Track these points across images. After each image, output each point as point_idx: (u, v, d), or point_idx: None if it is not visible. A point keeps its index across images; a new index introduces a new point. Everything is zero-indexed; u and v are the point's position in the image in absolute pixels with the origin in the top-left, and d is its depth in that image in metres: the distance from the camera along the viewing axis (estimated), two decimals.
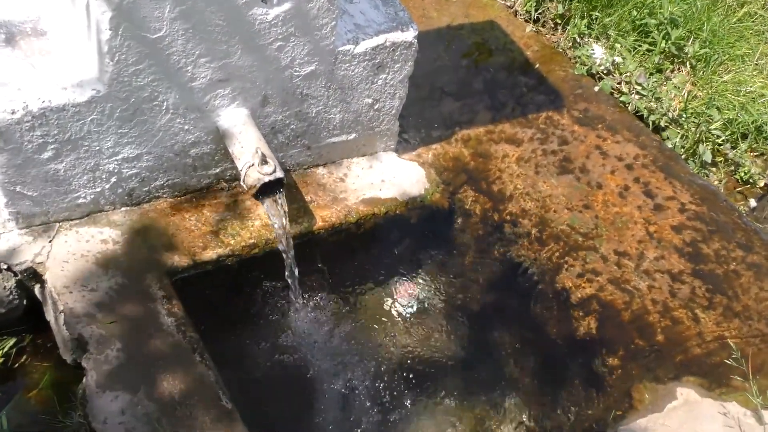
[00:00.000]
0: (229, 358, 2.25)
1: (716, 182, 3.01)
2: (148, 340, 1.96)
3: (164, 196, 2.32)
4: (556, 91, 3.03)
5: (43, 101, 1.92)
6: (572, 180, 2.70)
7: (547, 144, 2.82)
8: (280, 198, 2.18)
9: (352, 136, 2.53)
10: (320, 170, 2.57)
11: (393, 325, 2.52)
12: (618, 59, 3.25)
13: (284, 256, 2.28)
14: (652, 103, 3.11)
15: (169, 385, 1.88)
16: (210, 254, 2.22)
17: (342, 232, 2.45)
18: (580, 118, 2.93)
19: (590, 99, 3.03)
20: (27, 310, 2.13)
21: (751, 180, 3.10)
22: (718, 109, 3.12)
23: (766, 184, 3.10)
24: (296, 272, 2.31)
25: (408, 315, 2.55)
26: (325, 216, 2.41)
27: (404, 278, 2.63)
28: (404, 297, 2.60)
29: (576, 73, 3.16)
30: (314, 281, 2.53)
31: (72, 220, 2.19)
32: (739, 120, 3.14)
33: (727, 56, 3.32)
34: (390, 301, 2.58)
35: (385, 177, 2.59)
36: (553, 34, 3.43)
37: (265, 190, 2.13)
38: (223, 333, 2.32)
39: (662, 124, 3.10)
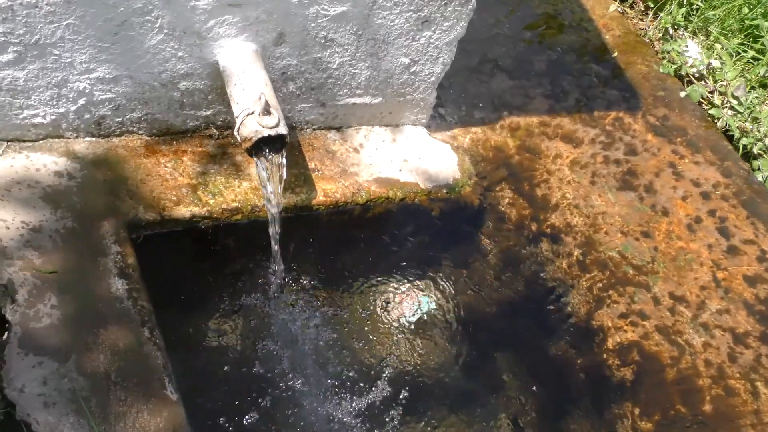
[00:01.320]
0: (184, 341, 2.22)
1: None
2: (91, 302, 1.92)
3: (139, 132, 2.28)
4: (632, 89, 2.98)
5: None
6: (634, 199, 2.66)
7: (610, 150, 2.76)
8: (278, 159, 2.12)
9: (378, 99, 2.48)
10: (332, 135, 2.52)
11: (389, 336, 2.48)
12: (715, 63, 3.15)
13: (271, 229, 2.23)
14: (747, 123, 3.01)
15: (106, 359, 1.84)
16: (182, 211, 2.18)
17: (346, 212, 2.42)
18: (656, 126, 2.87)
19: (672, 105, 2.96)
20: None
21: None
22: None
23: None
24: (279, 252, 2.26)
25: (409, 326, 2.51)
26: (328, 190, 2.37)
27: (412, 281, 2.59)
28: (408, 304, 2.55)
29: (661, 71, 3.08)
30: (303, 266, 2.49)
31: (24, 141, 2.15)
32: None
33: None
34: (391, 305, 2.54)
35: (409, 156, 2.55)
36: (642, 19, 3.34)
37: (262, 146, 2.07)
38: (183, 309, 2.29)
39: (755, 150, 3.00)
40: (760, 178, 2.88)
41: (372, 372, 2.40)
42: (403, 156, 2.53)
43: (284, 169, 2.16)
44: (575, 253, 2.54)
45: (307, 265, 2.49)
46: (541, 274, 2.54)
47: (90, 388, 1.78)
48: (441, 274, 2.61)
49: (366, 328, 2.49)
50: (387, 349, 2.45)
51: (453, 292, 2.58)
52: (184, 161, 2.28)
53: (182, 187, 2.21)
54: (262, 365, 2.33)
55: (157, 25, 2.02)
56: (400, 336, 2.49)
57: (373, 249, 2.57)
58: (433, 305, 2.57)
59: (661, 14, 3.28)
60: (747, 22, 3.28)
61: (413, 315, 2.54)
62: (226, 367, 2.29)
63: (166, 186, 2.20)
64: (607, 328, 2.41)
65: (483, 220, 2.63)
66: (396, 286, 2.58)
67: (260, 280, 2.42)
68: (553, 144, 2.75)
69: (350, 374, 2.37)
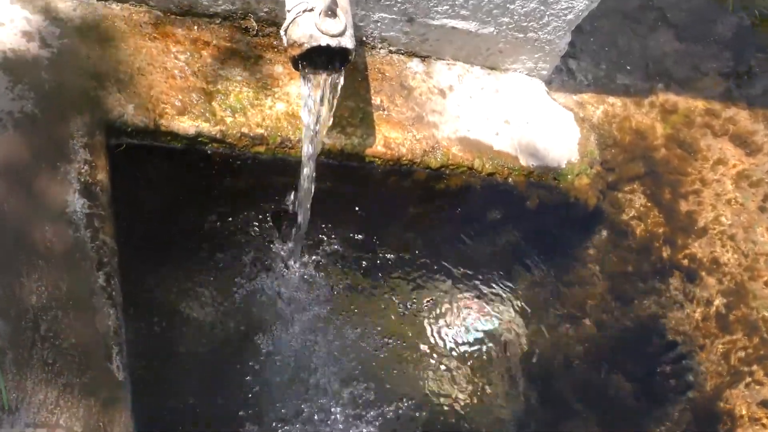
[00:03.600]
0: (150, 303, 2.18)
1: None
2: (35, 221, 1.86)
3: (150, 2, 2.23)
4: None
5: None
6: None
7: None
8: (333, 80, 2.06)
9: (487, 29, 2.41)
10: (414, 64, 2.48)
11: (430, 357, 2.43)
12: None
13: (303, 176, 2.18)
14: None
15: (39, 303, 1.78)
16: (186, 125, 2.13)
17: (409, 176, 2.38)
18: None
19: None
20: None
21: None
22: None
23: None
24: (305, 208, 2.20)
25: (462, 348, 2.45)
26: (392, 140, 2.32)
27: (479, 289, 2.54)
28: (468, 318, 2.50)
29: None
30: (332, 234, 2.45)
31: None
32: None
33: None
34: (443, 315, 2.48)
35: (513, 116, 2.48)
36: None
37: (315, 59, 2.01)
38: (159, 259, 2.24)
39: None
40: None
41: (396, 404, 2.34)
42: (504, 115, 2.47)
43: (337, 97, 2.10)
44: (716, 303, 2.48)
45: (337, 233, 2.44)
46: (662, 321, 2.49)
47: (9, 337, 1.73)
48: (521, 289, 2.56)
49: (400, 340, 2.44)
50: (424, 374, 2.41)
51: (533, 316, 2.53)
52: (203, 56, 2.22)
53: (193, 92, 2.16)
54: (247, 360, 2.28)
55: None
56: (446, 360, 2.44)
57: (436, 234, 2.53)
58: (501, 328, 2.52)
59: None
60: None
61: (470, 335, 2.49)
62: (198, 350, 2.23)
63: (171, 85, 2.15)
64: (738, 417, 2.34)
65: (596, 227, 2.60)
66: (456, 290, 2.52)
67: (271, 240, 2.37)
68: (719, 144, 2.68)
69: (366, 401, 2.31)
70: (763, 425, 2.32)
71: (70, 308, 1.80)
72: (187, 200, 2.28)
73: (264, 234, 2.38)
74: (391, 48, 2.45)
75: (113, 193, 1.98)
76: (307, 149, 2.14)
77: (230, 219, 2.36)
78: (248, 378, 2.24)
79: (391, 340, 2.42)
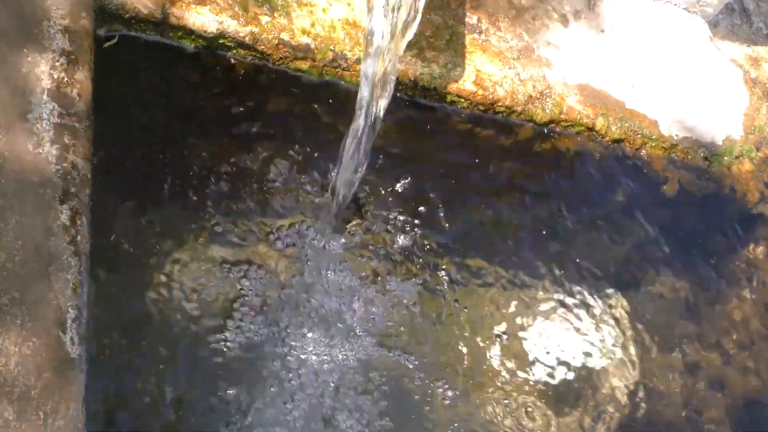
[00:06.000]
0: (130, 257, 2.13)
1: None
2: None
3: None
4: None
5: None
6: None
7: None
8: None
9: None
10: None
11: (505, 379, 2.38)
12: None
13: (359, 110, 2.12)
14: None
15: None
16: (205, 19, 2.12)
17: (505, 129, 2.37)
18: None
19: None
20: None
21: None
22: None
23: None
24: (361, 154, 2.16)
25: (551, 371, 2.43)
26: (487, 76, 2.29)
27: (578, 301, 2.49)
28: (569, 333, 2.47)
29: None
30: (388, 198, 2.40)
31: None
32: None
33: None
34: (523, 329, 2.44)
35: (659, 65, 2.46)
36: None
37: None
38: (148, 195, 2.20)
39: None
40: None
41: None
42: (647, 61, 2.46)
43: (420, 5, 2.04)
44: None
45: (396, 198, 2.40)
46: None
47: None
48: (639, 305, 2.51)
49: (463, 356, 2.38)
50: (487, 404, 2.36)
51: (650, 345, 2.48)
52: None
53: None
54: (247, 352, 2.24)
55: None
56: (521, 390, 2.40)
57: (529, 215, 2.49)
58: (604, 355, 2.48)
59: None
60: None
61: (560, 359, 2.46)
62: (184, 324, 2.20)
63: None
64: None
65: (754, 234, 2.57)
66: (549, 297, 2.48)
67: (305, 194, 2.34)
68: None
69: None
70: None
71: (17, 251, 1.79)
72: (195, 122, 2.27)
73: (299, 177, 2.37)
74: None
75: (96, 100, 1.97)
76: (368, 72, 2.07)
77: (246, 156, 2.34)
78: (244, 374, 2.23)
79: (451, 356, 2.39)
